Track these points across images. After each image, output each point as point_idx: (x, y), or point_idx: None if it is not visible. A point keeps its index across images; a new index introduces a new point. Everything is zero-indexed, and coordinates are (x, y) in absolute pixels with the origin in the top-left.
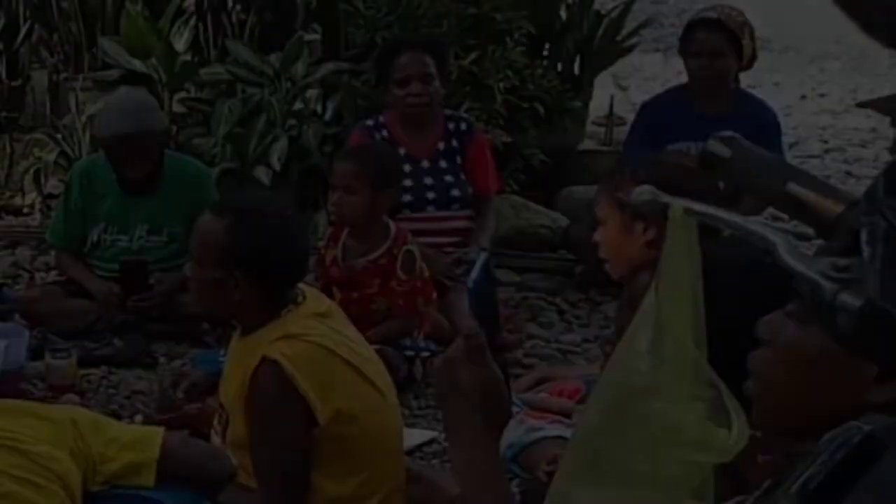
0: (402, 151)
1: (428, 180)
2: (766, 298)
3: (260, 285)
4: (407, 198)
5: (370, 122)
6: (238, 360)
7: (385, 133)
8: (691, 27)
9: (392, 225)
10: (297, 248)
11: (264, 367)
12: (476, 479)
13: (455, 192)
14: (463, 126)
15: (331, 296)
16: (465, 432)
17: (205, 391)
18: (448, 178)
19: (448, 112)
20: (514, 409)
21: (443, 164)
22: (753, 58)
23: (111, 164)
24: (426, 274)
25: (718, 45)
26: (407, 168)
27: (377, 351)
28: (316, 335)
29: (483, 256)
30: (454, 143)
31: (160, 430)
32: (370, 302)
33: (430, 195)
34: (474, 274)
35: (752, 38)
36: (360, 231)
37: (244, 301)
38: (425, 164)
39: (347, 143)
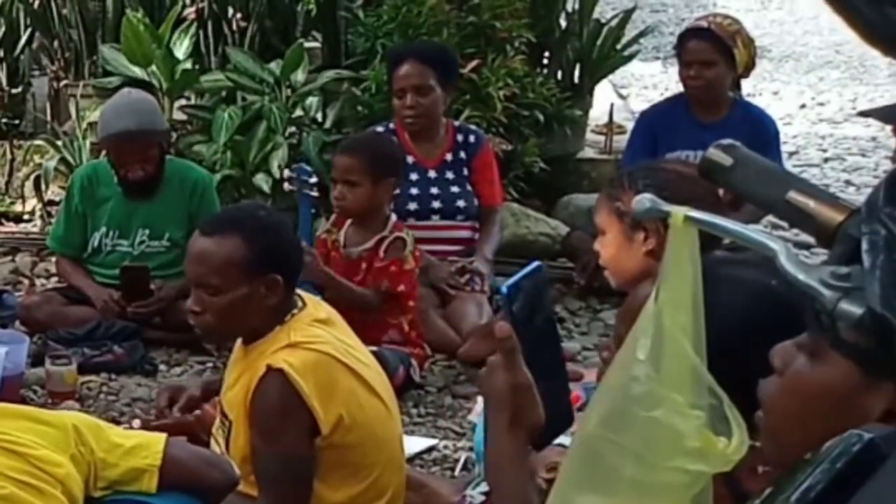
0: (409, 160)
1: (434, 190)
2: (765, 311)
3: (287, 283)
4: (412, 206)
5: (380, 129)
6: (242, 369)
7: (395, 140)
8: (683, 37)
9: (393, 217)
10: (297, 240)
11: (269, 377)
12: (500, 475)
13: (460, 203)
14: (472, 138)
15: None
16: (495, 432)
17: (202, 403)
18: (454, 188)
19: (457, 123)
20: None
21: (449, 174)
22: (751, 66)
23: (112, 166)
24: (408, 266)
25: (709, 55)
26: (413, 177)
27: (373, 354)
28: (320, 343)
29: (532, 266)
30: (462, 154)
31: (163, 436)
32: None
33: (436, 204)
34: (513, 279)
35: (747, 46)
36: (362, 222)
37: (276, 305)
38: (432, 173)
39: None
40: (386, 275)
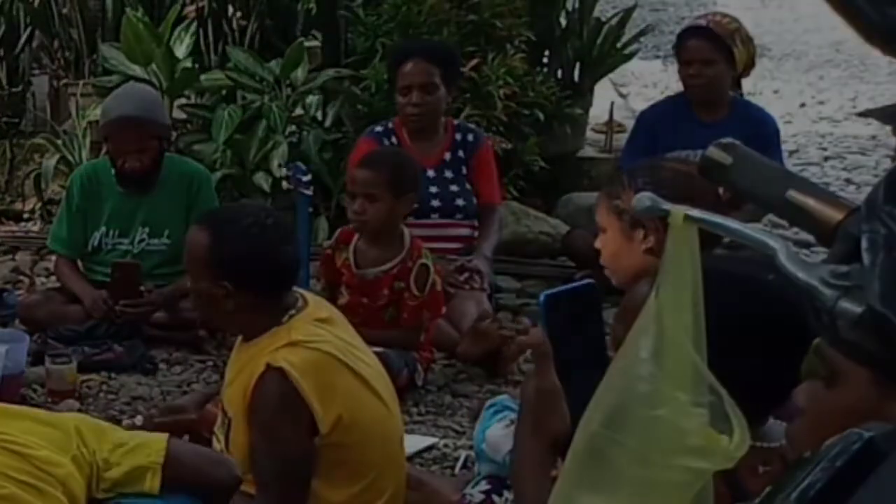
0: None
1: (433, 189)
2: (762, 310)
3: (251, 293)
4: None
5: (379, 129)
6: (241, 366)
7: (394, 139)
8: (682, 36)
9: (407, 233)
10: (282, 254)
11: (269, 375)
12: (521, 480)
13: (459, 202)
14: (470, 137)
15: (336, 297)
16: (519, 437)
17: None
18: (453, 187)
19: (457, 122)
20: (513, 415)
21: (448, 173)
22: (751, 64)
23: (111, 159)
24: (438, 287)
25: (708, 53)
26: None
27: (378, 355)
28: (320, 342)
29: (583, 283)
30: (460, 153)
31: (165, 436)
32: (382, 311)
33: (435, 203)
34: (556, 290)
35: (747, 44)
36: (378, 238)
37: (238, 310)
38: (431, 173)
39: (356, 149)
40: (423, 307)
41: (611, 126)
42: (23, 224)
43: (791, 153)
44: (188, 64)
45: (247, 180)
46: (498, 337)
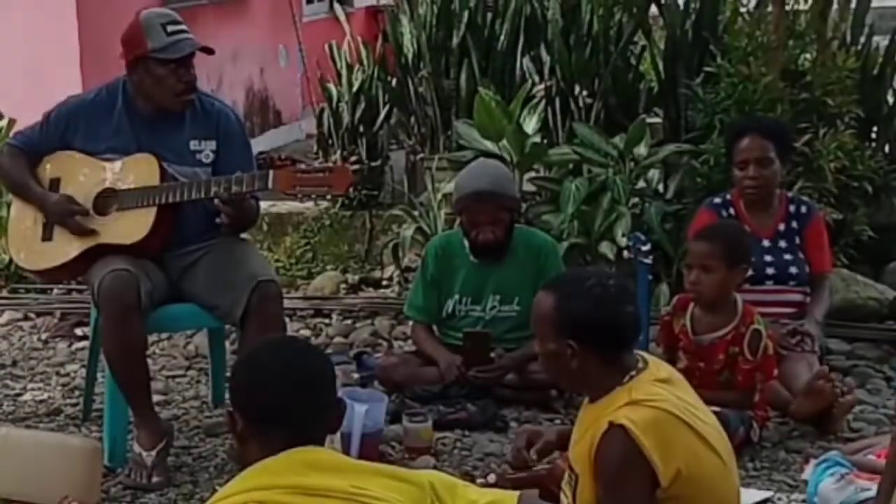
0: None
1: (768, 258)
2: None
3: (595, 353)
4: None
5: (717, 200)
6: (586, 424)
7: (731, 211)
8: None
9: (740, 301)
10: (624, 315)
11: (612, 433)
12: None
13: (792, 270)
14: (803, 209)
15: (675, 361)
16: (881, 491)
17: (556, 450)
18: (787, 256)
19: (790, 194)
20: (843, 470)
21: (782, 243)
22: None
23: (464, 230)
24: (770, 351)
25: None
26: None
27: (716, 414)
28: (660, 401)
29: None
30: (794, 224)
31: (515, 493)
32: (717, 374)
33: (770, 271)
34: None
35: None
36: (713, 306)
37: (582, 369)
38: (766, 242)
39: (695, 220)
40: (756, 370)
41: None
42: (381, 290)
43: None
44: (537, 139)
45: (592, 249)
46: (829, 396)
